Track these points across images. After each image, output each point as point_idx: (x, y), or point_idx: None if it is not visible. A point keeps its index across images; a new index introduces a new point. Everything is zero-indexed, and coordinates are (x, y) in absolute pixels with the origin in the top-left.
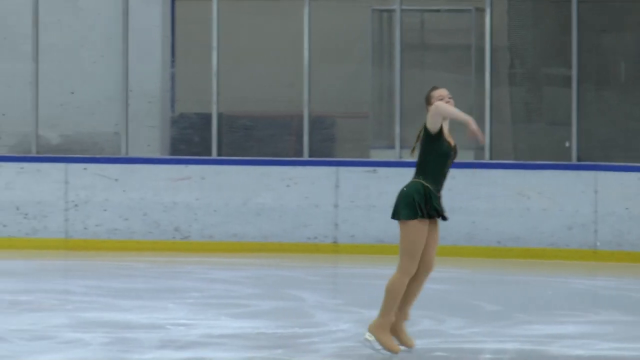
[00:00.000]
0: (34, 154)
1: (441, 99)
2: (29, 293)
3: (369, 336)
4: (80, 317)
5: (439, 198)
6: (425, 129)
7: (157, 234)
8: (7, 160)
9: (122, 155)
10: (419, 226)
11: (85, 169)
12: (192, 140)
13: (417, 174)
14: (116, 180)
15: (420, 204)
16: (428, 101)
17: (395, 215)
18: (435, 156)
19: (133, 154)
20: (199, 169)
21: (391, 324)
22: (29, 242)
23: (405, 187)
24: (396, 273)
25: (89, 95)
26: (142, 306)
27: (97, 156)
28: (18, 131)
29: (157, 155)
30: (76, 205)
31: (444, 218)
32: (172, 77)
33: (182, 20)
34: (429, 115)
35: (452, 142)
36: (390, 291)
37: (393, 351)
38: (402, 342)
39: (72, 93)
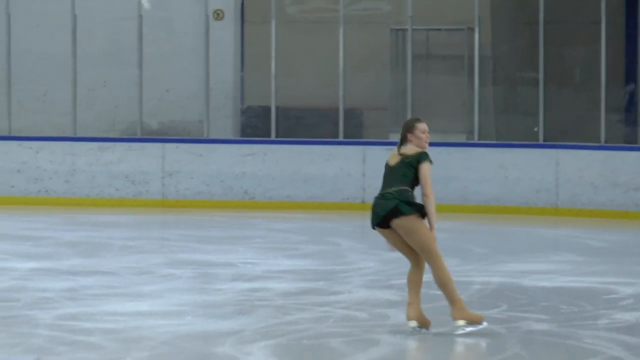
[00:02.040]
0: (139, 136)
1: (423, 133)
2: (135, 239)
3: (461, 323)
4: (173, 258)
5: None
6: (415, 163)
7: (231, 195)
8: (120, 141)
9: (205, 137)
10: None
11: (177, 147)
12: (256, 126)
13: (405, 184)
14: (200, 155)
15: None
16: (411, 130)
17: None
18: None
19: (213, 136)
20: (261, 147)
21: (462, 302)
22: (135, 201)
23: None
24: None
25: (180, 93)
26: (220, 249)
27: (186, 138)
28: (127, 120)
29: (231, 137)
30: (170, 174)
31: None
32: (242, 79)
33: (249, 37)
34: (424, 172)
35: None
36: (442, 282)
37: (480, 320)
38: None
39: (167, 91)
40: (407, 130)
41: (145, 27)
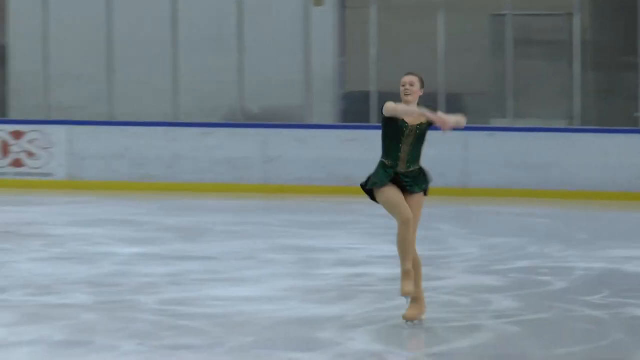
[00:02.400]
0: (240, 122)
1: (402, 86)
2: (237, 225)
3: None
4: (275, 243)
5: (404, 171)
6: (382, 117)
7: (332, 181)
8: (221, 127)
9: (305, 122)
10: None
11: (278, 132)
12: (357, 111)
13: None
14: (301, 141)
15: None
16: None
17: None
18: (389, 136)
19: (313, 121)
20: (362, 133)
21: (410, 273)
22: (237, 187)
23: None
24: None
25: (281, 78)
26: (321, 235)
27: (287, 123)
28: (228, 105)
29: (331, 123)
30: (271, 160)
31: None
32: (342, 65)
33: (349, 22)
34: (387, 109)
35: (415, 122)
36: (398, 242)
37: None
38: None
39: (268, 76)
40: None
41: (246, 13)
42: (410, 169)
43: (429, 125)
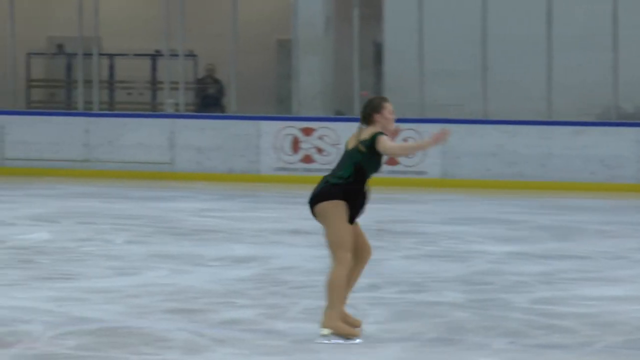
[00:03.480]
0: (614, 120)
1: (391, 114)
2: (610, 224)
3: (325, 332)
4: None
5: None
6: (374, 145)
7: None
8: (595, 125)
9: None
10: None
11: None
12: None
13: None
14: None
15: None
16: (378, 110)
17: None
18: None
19: None
20: None
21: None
22: (610, 186)
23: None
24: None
25: None
26: None
27: None
28: (602, 104)
29: None
30: None
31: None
32: None
33: None
34: (384, 144)
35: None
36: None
37: (354, 335)
38: (351, 324)
39: None
40: (374, 110)
41: (620, 10)
42: None
43: None
